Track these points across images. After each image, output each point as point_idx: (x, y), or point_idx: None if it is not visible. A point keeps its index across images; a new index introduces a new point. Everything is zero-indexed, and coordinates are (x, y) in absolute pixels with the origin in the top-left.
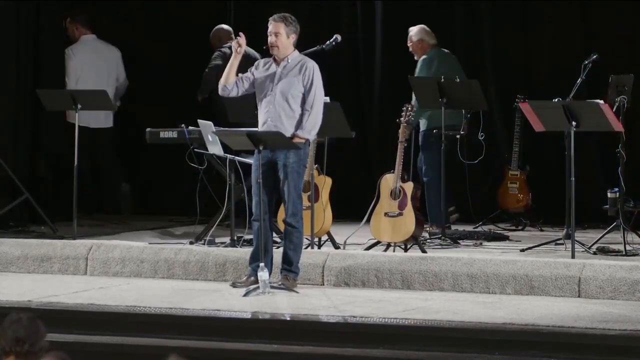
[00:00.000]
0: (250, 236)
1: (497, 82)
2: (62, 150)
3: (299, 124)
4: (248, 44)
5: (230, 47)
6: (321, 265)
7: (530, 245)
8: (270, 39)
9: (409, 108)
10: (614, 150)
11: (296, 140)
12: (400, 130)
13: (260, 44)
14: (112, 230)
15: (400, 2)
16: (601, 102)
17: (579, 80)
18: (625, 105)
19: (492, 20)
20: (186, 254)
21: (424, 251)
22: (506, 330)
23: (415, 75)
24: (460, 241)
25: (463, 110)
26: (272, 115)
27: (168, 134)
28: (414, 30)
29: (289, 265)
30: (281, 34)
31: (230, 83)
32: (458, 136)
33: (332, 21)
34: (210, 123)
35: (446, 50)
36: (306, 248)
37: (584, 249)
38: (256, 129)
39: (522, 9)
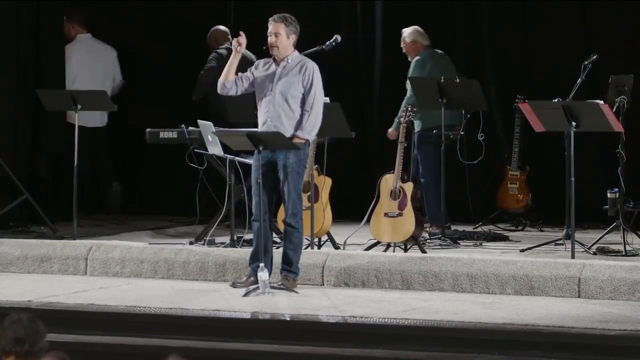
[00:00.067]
0: (250, 236)
1: (497, 82)
2: (62, 150)
3: (298, 125)
4: (248, 44)
5: (226, 49)
6: (321, 266)
7: (530, 245)
8: (270, 39)
9: (409, 108)
10: (614, 151)
11: (296, 140)
12: (400, 131)
13: (260, 44)
14: (112, 230)
15: (400, 2)
16: (601, 102)
17: (579, 81)
18: (625, 106)
19: (492, 20)
20: (186, 254)
21: (423, 251)
22: (506, 330)
23: (409, 77)
24: (460, 241)
25: (463, 111)
26: (271, 116)
27: (168, 134)
28: (407, 32)
29: (289, 266)
30: (281, 34)
31: (229, 81)
32: (452, 135)
33: (332, 21)
34: (210, 123)
35: (439, 51)
36: (306, 248)
37: (583, 249)
38: (256, 129)
39: (522, 9)
